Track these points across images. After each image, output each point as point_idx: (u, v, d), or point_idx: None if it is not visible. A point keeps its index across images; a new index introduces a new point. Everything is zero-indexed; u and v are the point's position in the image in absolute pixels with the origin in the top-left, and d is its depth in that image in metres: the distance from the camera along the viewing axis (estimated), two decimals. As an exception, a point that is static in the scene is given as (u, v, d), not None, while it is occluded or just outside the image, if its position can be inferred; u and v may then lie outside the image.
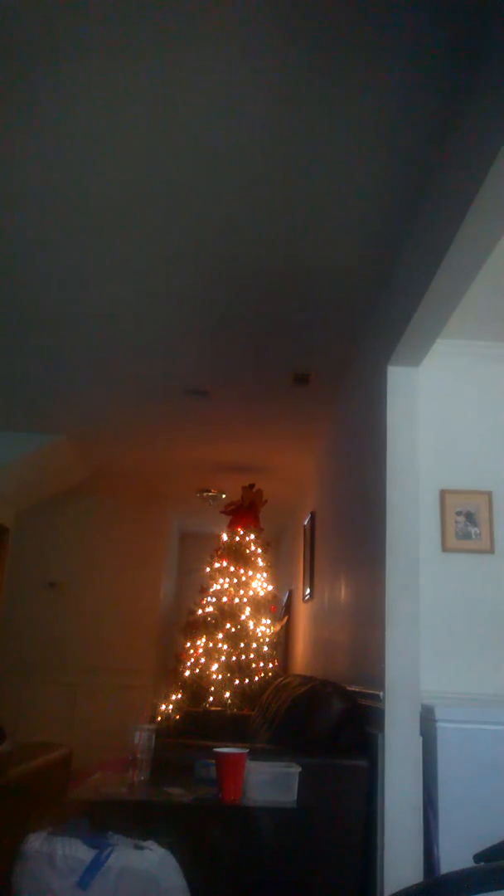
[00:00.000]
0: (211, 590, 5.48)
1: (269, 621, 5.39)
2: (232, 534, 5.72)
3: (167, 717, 4.89)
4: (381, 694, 2.54)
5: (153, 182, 2.43)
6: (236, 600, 5.35)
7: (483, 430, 3.09)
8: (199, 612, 5.40)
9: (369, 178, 2.33)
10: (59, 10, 1.78)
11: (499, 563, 2.94)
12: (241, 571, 5.49)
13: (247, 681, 4.96)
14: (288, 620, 6.34)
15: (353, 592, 3.34)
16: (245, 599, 5.36)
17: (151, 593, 7.32)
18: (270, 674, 5.10)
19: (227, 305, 3.27)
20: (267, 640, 5.26)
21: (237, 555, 5.57)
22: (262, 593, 5.48)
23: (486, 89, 1.78)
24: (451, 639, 2.82)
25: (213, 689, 4.94)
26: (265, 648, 5.20)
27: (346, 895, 2.44)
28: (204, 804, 2.20)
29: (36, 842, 1.89)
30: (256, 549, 5.67)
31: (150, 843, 1.94)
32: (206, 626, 5.25)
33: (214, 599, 5.41)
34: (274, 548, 6.45)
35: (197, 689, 4.97)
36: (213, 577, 5.53)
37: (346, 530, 3.68)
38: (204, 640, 5.21)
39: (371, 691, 2.68)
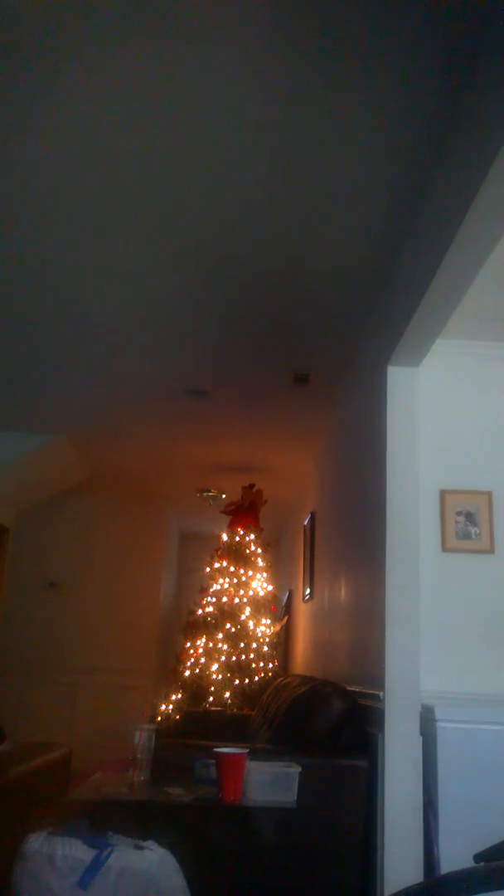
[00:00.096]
0: (211, 590, 5.48)
1: (269, 621, 5.39)
2: (232, 534, 5.71)
3: (167, 717, 4.89)
4: (381, 694, 2.54)
5: (153, 182, 2.43)
6: (236, 600, 5.35)
7: (483, 431, 3.09)
8: (199, 612, 5.40)
9: (369, 178, 2.33)
10: (59, 9, 1.78)
11: (499, 563, 2.94)
12: (241, 571, 5.49)
13: (247, 681, 4.96)
14: (288, 620, 6.34)
15: (353, 592, 3.34)
16: (245, 599, 5.36)
17: (151, 593, 7.32)
18: (270, 674, 5.10)
19: (227, 305, 3.27)
20: (267, 640, 5.26)
21: (237, 555, 5.57)
22: (262, 593, 5.48)
23: (486, 89, 1.78)
24: (451, 639, 2.82)
25: (213, 689, 4.94)
26: (265, 648, 5.20)
27: (346, 895, 2.44)
28: (204, 804, 2.20)
29: (36, 842, 1.90)
30: (256, 549, 5.67)
31: (150, 843, 1.94)
32: (206, 626, 5.25)
33: (214, 599, 5.41)
34: (274, 548, 6.45)
35: (197, 689, 4.97)
36: (213, 577, 5.53)
37: (346, 530, 3.68)
38: (204, 640, 5.21)
39: (371, 691, 2.68)
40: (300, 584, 5.63)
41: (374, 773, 2.51)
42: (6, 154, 2.32)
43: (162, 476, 6.48)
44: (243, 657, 5.07)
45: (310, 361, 3.83)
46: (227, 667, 5.02)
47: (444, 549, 2.94)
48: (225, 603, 5.34)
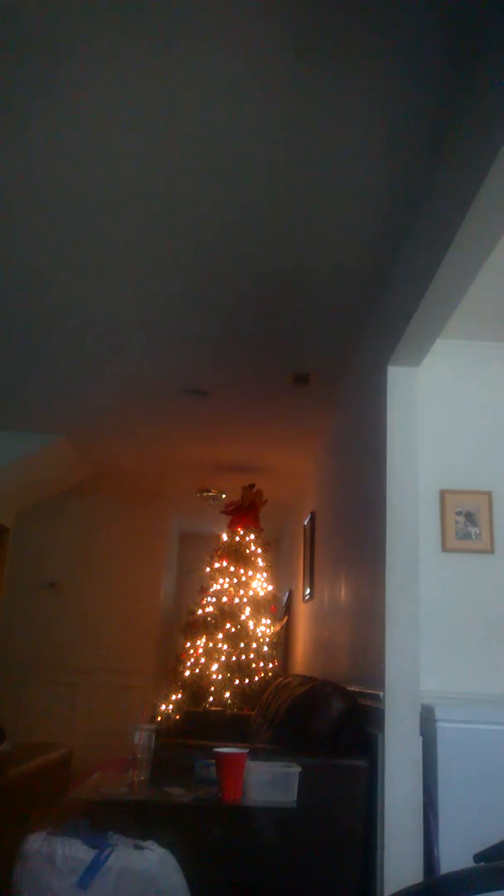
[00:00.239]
0: (211, 590, 5.48)
1: (269, 621, 5.39)
2: (232, 534, 5.71)
3: (167, 717, 4.89)
4: (381, 694, 2.54)
5: (153, 182, 2.43)
6: (236, 600, 5.35)
7: (483, 430, 3.10)
8: (199, 612, 5.40)
9: (369, 178, 2.33)
10: (58, 8, 1.78)
11: (499, 563, 2.94)
12: (241, 571, 5.49)
13: (247, 681, 4.96)
14: (288, 620, 6.34)
15: (353, 592, 3.34)
16: (245, 599, 5.36)
17: (151, 593, 7.32)
18: (270, 674, 5.10)
19: (227, 305, 3.27)
20: (267, 640, 5.26)
21: (237, 555, 5.57)
22: (262, 593, 5.48)
23: (486, 89, 1.78)
24: (451, 639, 2.83)
25: (213, 689, 4.94)
26: (265, 648, 5.20)
27: (346, 895, 2.44)
28: (204, 804, 2.20)
29: (36, 842, 1.89)
30: (256, 549, 5.67)
31: (150, 843, 1.94)
32: (206, 626, 5.24)
33: (214, 599, 5.41)
34: (274, 548, 6.45)
35: (197, 689, 4.97)
36: (213, 577, 5.53)
37: (346, 530, 3.68)
38: (204, 640, 5.21)
39: (371, 691, 2.68)
40: (300, 584, 5.63)
41: (374, 773, 2.51)
42: (6, 154, 2.32)
43: (162, 476, 6.48)
44: (243, 657, 5.07)
45: (310, 361, 3.83)
46: (227, 667, 5.02)
47: (444, 549, 2.94)
48: (225, 603, 5.34)
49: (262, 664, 5.11)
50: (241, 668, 5.02)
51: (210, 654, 5.11)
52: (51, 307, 3.37)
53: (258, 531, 5.77)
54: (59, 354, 3.91)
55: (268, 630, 5.32)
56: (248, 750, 2.29)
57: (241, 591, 5.40)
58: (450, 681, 2.76)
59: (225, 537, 5.73)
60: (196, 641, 5.24)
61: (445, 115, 2.01)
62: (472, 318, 2.92)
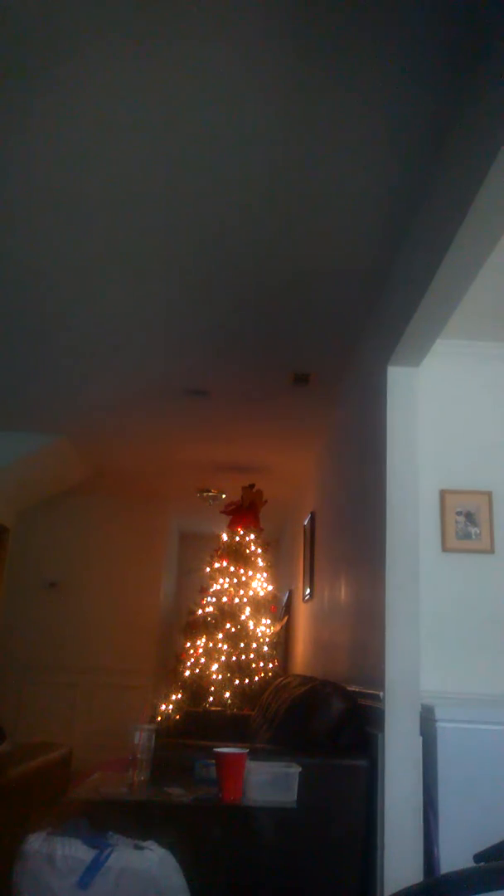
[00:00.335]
0: (211, 590, 5.48)
1: (269, 621, 5.39)
2: (232, 534, 5.71)
3: (167, 717, 4.89)
4: (381, 694, 2.54)
5: (152, 183, 2.43)
6: (236, 600, 5.35)
7: (483, 430, 3.10)
8: (199, 612, 5.40)
9: (369, 178, 2.33)
10: (58, 8, 1.78)
11: (499, 563, 2.94)
12: (241, 571, 5.49)
13: (247, 681, 4.96)
14: (288, 620, 6.34)
15: (353, 592, 3.34)
16: (245, 599, 5.36)
17: (151, 593, 7.32)
18: (270, 674, 5.10)
19: (227, 305, 3.27)
20: (267, 640, 5.26)
21: (237, 555, 5.57)
22: (262, 593, 5.48)
23: (486, 89, 1.78)
24: (451, 639, 2.83)
25: (213, 689, 4.94)
26: (265, 648, 5.20)
27: (346, 895, 2.44)
28: (204, 804, 2.20)
29: (36, 842, 1.89)
30: (256, 549, 5.67)
31: (150, 843, 1.94)
32: (206, 626, 5.24)
33: (214, 599, 5.41)
34: (274, 548, 6.45)
35: (197, 689, 4.97)
36: (212, 577, 5.53)
37: (345, 530, 3.68)
38: (204, 640, 5.21)
39: (371, 691, 2.68)
40: (300, 584, 5.63)
41: (374, 773, 2.51)
42: (6, 154, 2.32)
43: (162, 476, 6.48)
44: (243, 657, 5.07)
45: (310, 361, 3.83)
46: (227, 667, 5.02)
47: (444, 549, 2.94)
48: (225, 603, 5.34)
49: (262, 664, 5.11)
50: (241, 668, 5.02)
51: (210, 654, 5.11)
52: (51, 307, 3.37)
53: (258, 531, 5.77)
54: (59, 354, 3.91)
55: (268, 630, 5.32)
56: (248, 750, 2.29)
57: (241, 591, 5.40)
58: (450, 681, 2.76)
59: (225, 537, 5.73)
60: (196, 641, 5.24)
61: (445, 115, 2.01)
62: (472, 318, 2.92)
